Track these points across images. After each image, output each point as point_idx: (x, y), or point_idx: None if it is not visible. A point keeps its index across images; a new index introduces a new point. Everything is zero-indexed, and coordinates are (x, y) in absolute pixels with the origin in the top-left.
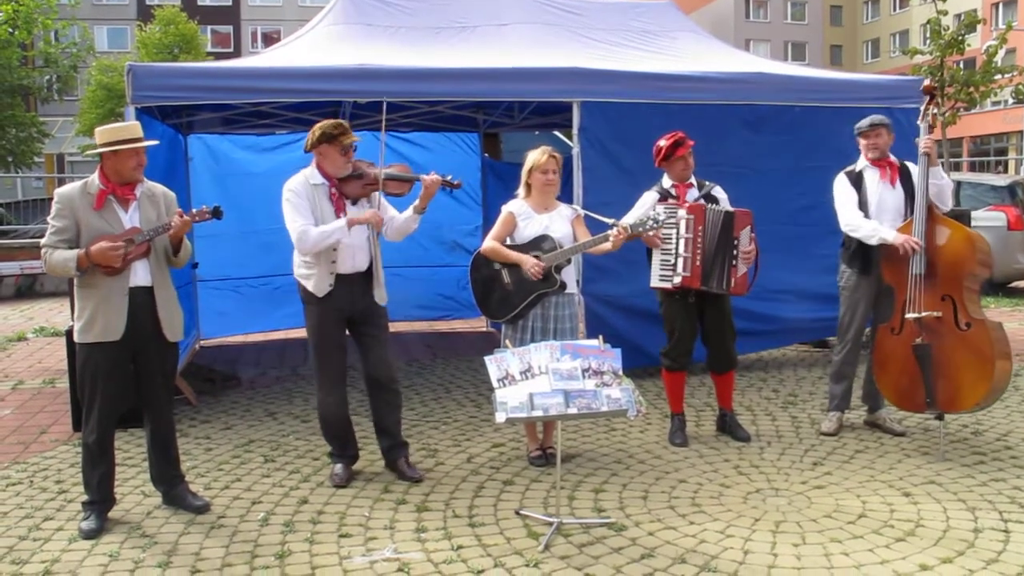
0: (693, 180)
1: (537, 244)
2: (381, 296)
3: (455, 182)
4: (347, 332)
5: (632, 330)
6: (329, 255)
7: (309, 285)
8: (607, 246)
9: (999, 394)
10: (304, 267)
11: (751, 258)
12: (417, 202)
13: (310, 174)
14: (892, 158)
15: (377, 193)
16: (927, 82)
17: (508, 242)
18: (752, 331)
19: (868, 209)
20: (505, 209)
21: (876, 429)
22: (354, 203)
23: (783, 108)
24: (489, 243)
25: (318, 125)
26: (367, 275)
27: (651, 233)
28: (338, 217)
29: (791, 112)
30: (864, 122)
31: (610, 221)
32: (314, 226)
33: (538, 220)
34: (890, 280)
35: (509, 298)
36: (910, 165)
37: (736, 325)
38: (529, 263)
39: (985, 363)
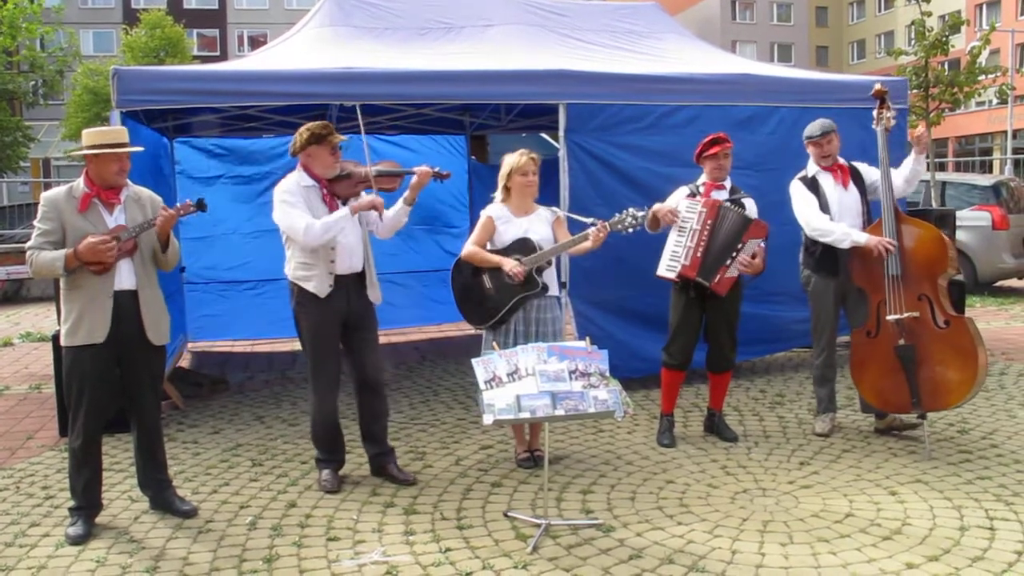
0: (728, 184)
1: (517, 247)
2: (376, 296)
3: (444, 172)
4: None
5: (623, 332)
6: (328, 255)
7: (309, 286)
8: (588, 244)
9: (980, 387)
10: (302, 268)
11: (748, 270)
12: (407, 193)
13: (299, 177)
14: (841, 161)
15: (368, 191)
16: (877, 86)
17: (488, 247)
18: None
19: (829, 212)
20: (484, 213)
21: (891, 433)
22: (345, 203)
23: (770, 109)
24: (469, 248)
25: (304, 127)
26: (360, 277)
27: (630, 231)
28: None
29: (778, 113)
30: (815, 128)
31: (589, 220)
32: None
33: (517, 223)
34: (861, 282)
35: (491, 303)
36: (859, 166)
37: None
38: (509, 265)
39: (968, 359)
